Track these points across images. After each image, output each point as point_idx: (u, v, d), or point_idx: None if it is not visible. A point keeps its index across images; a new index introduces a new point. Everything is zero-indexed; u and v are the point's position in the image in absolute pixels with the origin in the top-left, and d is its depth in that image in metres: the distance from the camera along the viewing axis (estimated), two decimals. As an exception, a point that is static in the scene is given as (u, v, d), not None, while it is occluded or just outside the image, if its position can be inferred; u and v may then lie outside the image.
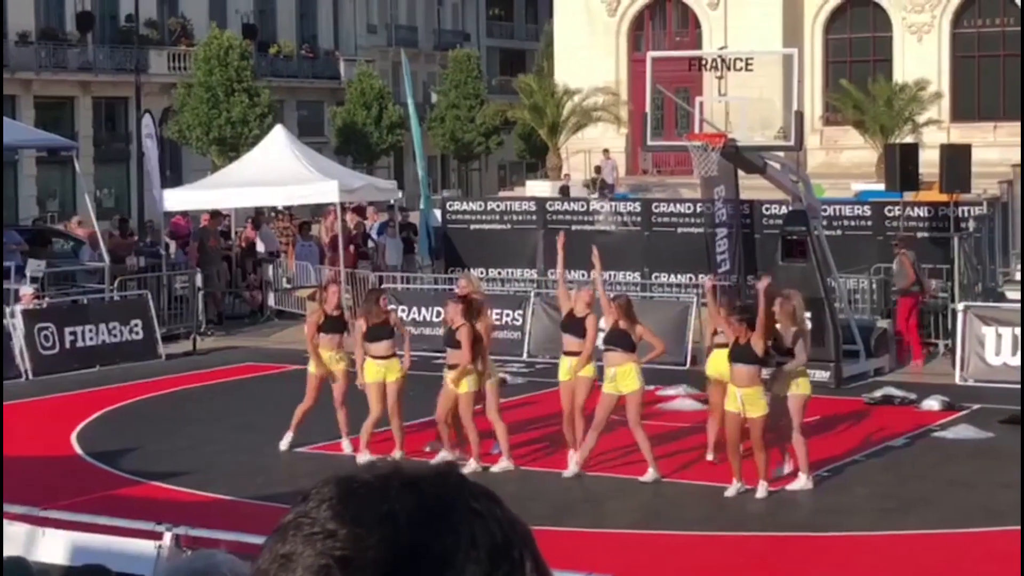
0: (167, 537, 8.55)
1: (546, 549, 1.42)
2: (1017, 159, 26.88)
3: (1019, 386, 18.28)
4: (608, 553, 12.30)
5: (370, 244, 30.21)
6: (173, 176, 45.96)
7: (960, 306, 21.15)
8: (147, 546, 8.52)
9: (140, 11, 46.82)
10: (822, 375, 19.91)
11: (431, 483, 1.39)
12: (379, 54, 64.09)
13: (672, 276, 25.62)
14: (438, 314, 24.42)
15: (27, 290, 23.41)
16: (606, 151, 41.49)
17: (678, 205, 27.54)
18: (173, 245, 29.34)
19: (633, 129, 40.31)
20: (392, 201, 32.30)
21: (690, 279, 25.23)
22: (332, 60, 62.21)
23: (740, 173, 23.13)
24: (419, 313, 24.61)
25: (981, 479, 15.16)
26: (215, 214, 29.18)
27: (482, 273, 27.63)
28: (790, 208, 22.01)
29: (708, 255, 24.70)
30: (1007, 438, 16.86)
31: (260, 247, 30.33)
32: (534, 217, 27.94)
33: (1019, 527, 12.69)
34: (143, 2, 47.94)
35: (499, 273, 27.78)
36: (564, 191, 37.06)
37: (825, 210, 23.94)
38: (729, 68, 21.67)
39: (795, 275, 20.19)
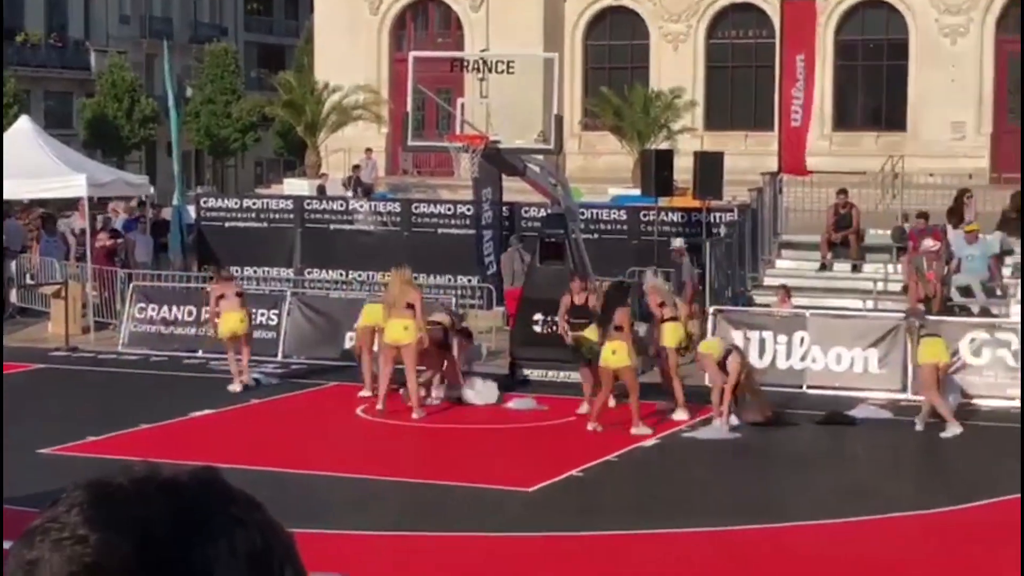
0: None
1: (306, 552, 1.34)
2: (766, 167, 27.67)
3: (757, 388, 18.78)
4: (368, 555, 12.12)
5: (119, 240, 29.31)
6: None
7: (711, 309, 21.63)
8: None
9: None
10: (578, 376, 20.08)
11: (188, 488, 1.33)
12: (132, 46, 62.46)
13: (432, 277, 25.55)
14: (189, 313, 23.85)
15: None
16: (368, 150, 41.24)
17: (438, 206, 27.53)
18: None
19: (394, 129, 40.12)
20: (143, 197, 31.45)
21: (449, 280, 25.22)
22: (82, 50, 60.36)
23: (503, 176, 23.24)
24: (169, 312, 23.96)
25: (727, 479, 15.50)
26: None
27: (237, 271, 27.11)
28: (548, 211, 22.18)
29: (477, 256, 24.75)
30: (755, 437, 17.28)
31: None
32: (291, 216, 27.56)
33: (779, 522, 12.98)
34: None
35: (255, 272, 27.29)
36: (321, 190, 36.66)
37: (583, 213, 24.21)
38: (491, 70, 21.71)
39: (552, 277, 20.33)
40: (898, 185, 30.20)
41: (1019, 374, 18.80)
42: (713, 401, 17.89)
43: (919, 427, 17.49)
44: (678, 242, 23.81)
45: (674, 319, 18.69)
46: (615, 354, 17.24)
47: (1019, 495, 13.45)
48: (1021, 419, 16.83)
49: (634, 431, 17.24)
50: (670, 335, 18.46)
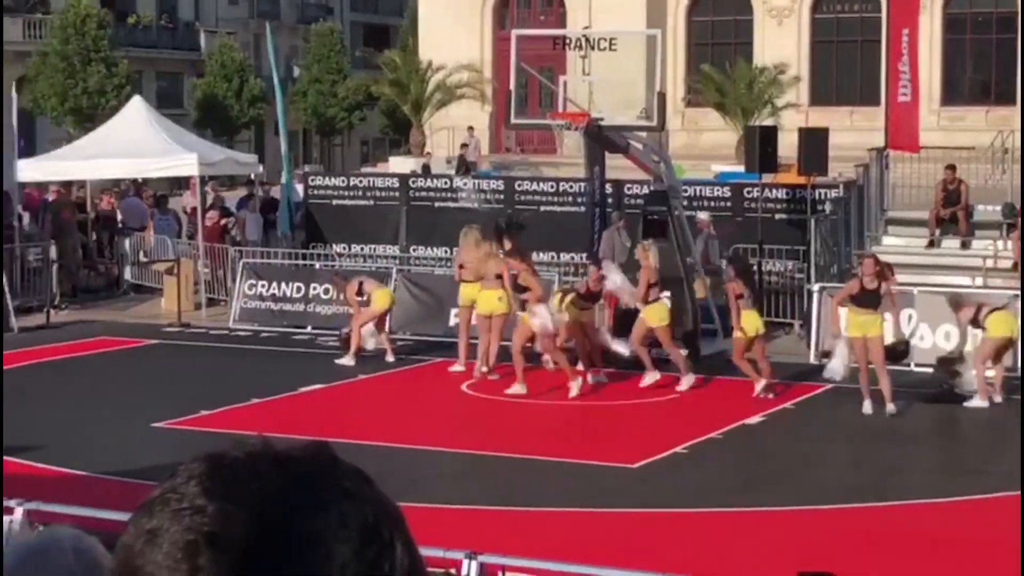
0: (18, 512, 8.36)
1: (413, 526, 1.40)
2: (873, 143, 27.43)
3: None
4: (472, 529, 12.30)
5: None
6: (27, 146, 44.81)
7: (815, 287, 21.52)
8: (-3, 522, 8.30)
9: (-6, -24, 45.51)
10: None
11: (302, 461, 1.37)
12: (240, 26, 63.25)
13: (536, 254, 25.67)
14: (298, 289, 24.24)
15: None
16: (470, 128, 41.46)
17: (541, 183, 27.60)
18: (27, 217, 28.65)
19: (497, 107, 40.33)
20: (252, 175, 31.94)
21: (552, 257, 25.34)
22: (192, 32, 61.24)
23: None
24: (278, 288, 24.35)
25: (833, 457, 15.47)
26: (66, 186, 28.59)
27: (344, 249, 27.46)
28: (651, 188, 22.19)
29: (591, 234, 24.85)
30: (862, 415, 17.21)
31: (121, 218, 29.76)
32: (397, 193, 27.81)
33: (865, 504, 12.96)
34: (-3, -33, 46.61)
35: (361, 249, 27.61)
36: (426, 169, 36.95)
37: (686, 190, 24.17)
38: (593, 48, 21.74)
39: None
40: (1008, 160, 29.76)
41: None
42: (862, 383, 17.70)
43: (998, 399, 17.46)
44: (703, 215, 23.91)
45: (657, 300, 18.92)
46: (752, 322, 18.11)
47: None
48: (1021, 406, 16.56)
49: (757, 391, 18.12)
50: (655, 315, 18.62)
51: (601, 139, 21.26)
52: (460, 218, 26.46)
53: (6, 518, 8.36)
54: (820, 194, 24.79)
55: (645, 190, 23.36)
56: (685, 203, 23.16)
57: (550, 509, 13.20)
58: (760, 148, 24.27)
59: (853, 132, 34.33)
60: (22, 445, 15.12)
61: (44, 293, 25.20)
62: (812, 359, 20.73)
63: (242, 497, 1.32)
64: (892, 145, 26.56)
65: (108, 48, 48.79)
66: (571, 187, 26.44)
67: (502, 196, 27.06)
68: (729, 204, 25.32)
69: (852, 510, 13.21)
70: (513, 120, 23.78)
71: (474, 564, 7.79)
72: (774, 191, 25.38)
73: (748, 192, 25.23)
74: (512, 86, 23.05)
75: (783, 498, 13.55)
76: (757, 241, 23.70)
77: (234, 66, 56.49)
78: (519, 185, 27.50)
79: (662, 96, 22.23)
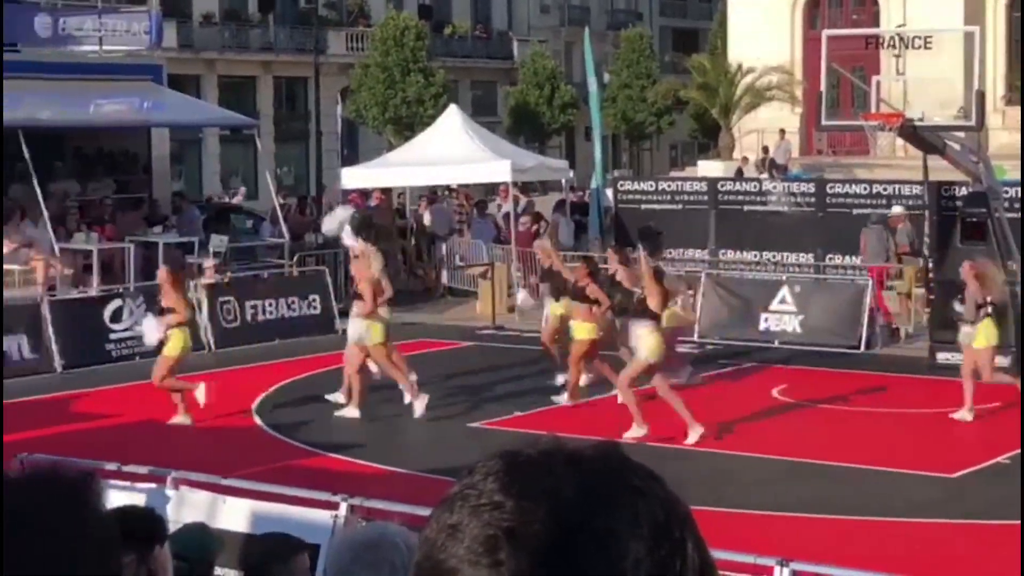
0: (343, 507, 8.75)
1: (724, 531, 1.47)
2: None
3: None
4: (780, 536, 12.22)
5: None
6: (350, 154, 46.71)
7: None
8: (323, 516, 8.72)
9: (319, -7, 47.62)
10: (1003, 360, 19.43)
11: (593, 460, 1.41)
12: (552, 34, 64.17)
13: (847, 258, 25.23)
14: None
15: (209, 262, 24.03)
16: (782, 131, 40.99)
17: (854, 186, 27.09)
18: (349, 223, 29.80)
19: (808, 109, 39.72)
20: (564, 180, 32.42)
21: (863, 260, 24.84)
22: (506, 41, 62.48)
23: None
24: (590, 292, 24.61)
25: None
26: (386, 192, 29.64)
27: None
28: (970, 189, 21.55)
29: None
30: None
31: (429, 224, 30.66)
32: (705, 197, 27.77)
33: None
34: (322, -16, 48.73)
35: (670, 253, 27.64)
36: (739, 172, 36.72)
37: (1007, 192, 23.35)
38: (907, 46, 21.28)
39: (974, 257, 19.74)
40: None
41: None
42: None
43: None
44: (897, 209, 23.47)
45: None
46: None
47: None
48: (1021, 411, 15.21)
49: None
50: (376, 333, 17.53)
51: (916, 140, 20.78)
52: (770, 221, 26.26)
53: (331, 512, 8.78)
54: None
55: (962, 191, 22.70)
56: (1006, 205, 22.37)
57: (865, 518, 12.99)
58: (1087, 147, 23.23)
59: None
60: (345, 443, 15.81)
61: (366, 296, 26.15)
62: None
63: (538, 494, 1.36)
64: None
65: (426, 59, 50.23)
66: (884, 189, 25.87)
67: (813, 199, 26.69)
68: (1054, 205, 24.29)
69: None
70: (824, 122, 23.49)
71: (786, 571, 7.74)
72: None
73: (1074, 193, 24.15)
74: (823, 87, 22.73)
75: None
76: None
77: (545, 73, 57.36)
78: (831, 187, 27.06)
79: (981, 95, 21.56)
